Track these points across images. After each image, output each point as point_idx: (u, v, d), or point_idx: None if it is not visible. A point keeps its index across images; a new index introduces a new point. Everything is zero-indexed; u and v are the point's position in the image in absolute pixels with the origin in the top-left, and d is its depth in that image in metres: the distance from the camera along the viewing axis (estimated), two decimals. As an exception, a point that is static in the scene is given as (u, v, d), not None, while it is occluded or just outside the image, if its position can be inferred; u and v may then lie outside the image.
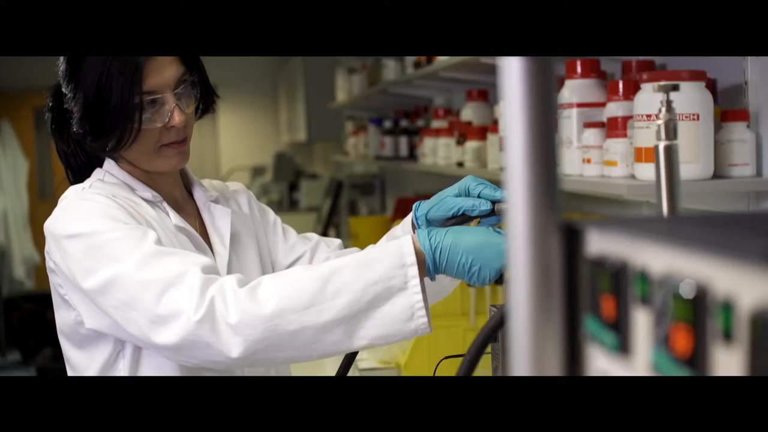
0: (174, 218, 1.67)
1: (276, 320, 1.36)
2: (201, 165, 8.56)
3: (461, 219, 1.48)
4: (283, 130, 8.56)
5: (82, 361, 1.59)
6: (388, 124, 4.26)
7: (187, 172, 1.79)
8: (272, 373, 1.73)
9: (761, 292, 0.50)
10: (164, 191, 1.70)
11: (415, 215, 1.57)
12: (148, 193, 1.66)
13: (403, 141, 4.03)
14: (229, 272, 1.68)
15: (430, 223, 1.53)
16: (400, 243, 1.41)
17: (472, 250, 1.38)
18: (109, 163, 1.66)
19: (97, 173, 1.66)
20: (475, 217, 1.49)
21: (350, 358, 1.53)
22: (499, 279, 1.37)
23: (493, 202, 1.47)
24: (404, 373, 2.26)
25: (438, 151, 3.22)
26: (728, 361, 0.54)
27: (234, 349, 1.36)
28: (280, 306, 1.36)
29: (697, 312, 0.55)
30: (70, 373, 1.63)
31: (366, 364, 2.31)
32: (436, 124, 3.43)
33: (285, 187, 7.49)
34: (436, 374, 1.69)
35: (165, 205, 1.67)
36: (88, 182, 1.65)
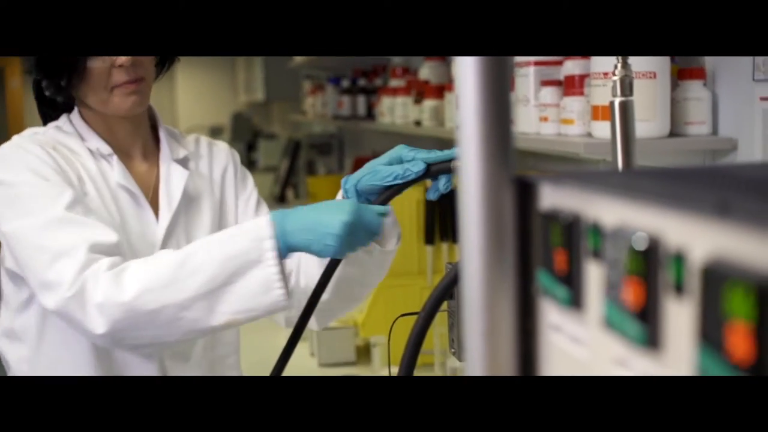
0: (119, 175, 1.67)
1: (137, 301, 1.41)
2: (158, 125, 8.45)
3: (400, 186, 1.46)
4: (241, 90, 8.50)
5: (11, 294, 1.67)
6: (345, 83, 4.24)
7: (158, 124, 1.78)
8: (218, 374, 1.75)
9: (713, 244, 0.50)
10: (122, 143, 1.70)
11: (344, 189, 1.55)
12: (97, 145, 1.66)
13: (361, 100, 4.01)
14: (172, 236, 1.70)
15: (361, 195, 1.52)
16: (257, 219, 1.46)
17: (309, 228, 1.42)
18: (74, 113, 1.68)
19: (59, 121, 1.69)
20: (412, 182, 1.47)
21: (287, 354, 1.51)
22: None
23: (428, 164, 1.45)
24: (361, 332, 2.25)
25: (396, 110, 3.21)
26: (679, 314, 0.53)
27: (99, 327, 1.42)
28: (141, 286, 1.41)
29: (649, 264, 0.55)
30: (3, 307, 1.70)
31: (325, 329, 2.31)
32: (394, 83, 3.42)
33: (243, 147, 7.45)
34: (392, 332, 1.69)
35: (114, 159, 1.66)
36: (42, 129, 1.68)
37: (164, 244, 1.69)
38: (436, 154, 1.45)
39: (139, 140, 1.73)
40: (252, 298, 1.43)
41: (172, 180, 1.73)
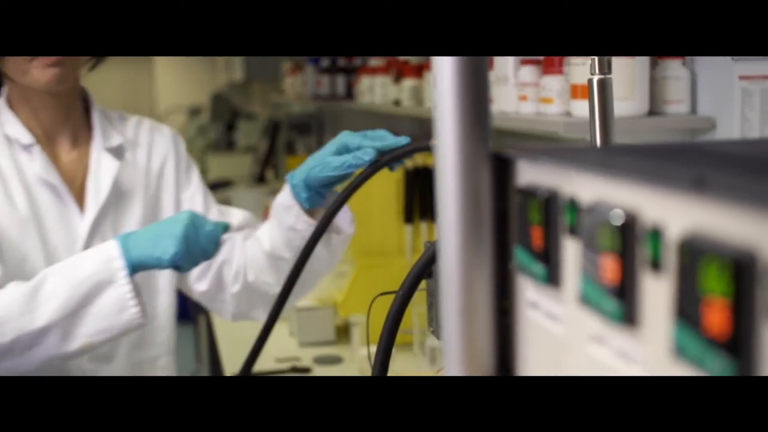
0: (39, 167, 1.61)
1: None
2: (136, 105, 8.43)
3: (357, 183, 1.43)
4: (220, 70, 8.45)
5: None
6: (325, 63, 4.22)
7: (91, 107, 1.71)
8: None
9: (689, 219, 0.50)
10: (48, 128, 1.64)
11: (291, 184, 1.53)
12: (17, 134, 1.60)
13: (341, 80, 4.00)
14: (97, 232, 1.65)
15: (312, 188, 1.50)
16: (106, 242, 1.46)
17: (150, 241, 1.43)
18: (2, 94, 1.62)
19: None
20: (368, 177, 1.44)
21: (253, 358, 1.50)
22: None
23: (379, 151, 1.42)
24: (341, 311, 2.25)
25: (375, 89, 3.20)
26: (656, 290, 0.53)
27: None
28: None
29: (626, 241, 0.55)
30: None
31: (304, 303, 2.30)
32: (373, 62, 3.41)
33: (222, 127, 7.42)
34: (372, 311, 1.69)
35: (36, 149, 1.61)
36: None
37: (89, 242, 1.63)
38: (383, 142, 1.42)
39: (68, 125, 1.66)
40: (107, 318, 1.43)
41: (102, 171, 1.65)
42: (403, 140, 1.40)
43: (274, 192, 3.84)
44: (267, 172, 5.64)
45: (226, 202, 4.05)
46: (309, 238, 1.39)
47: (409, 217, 2.39)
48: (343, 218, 1.60)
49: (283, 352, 2.16)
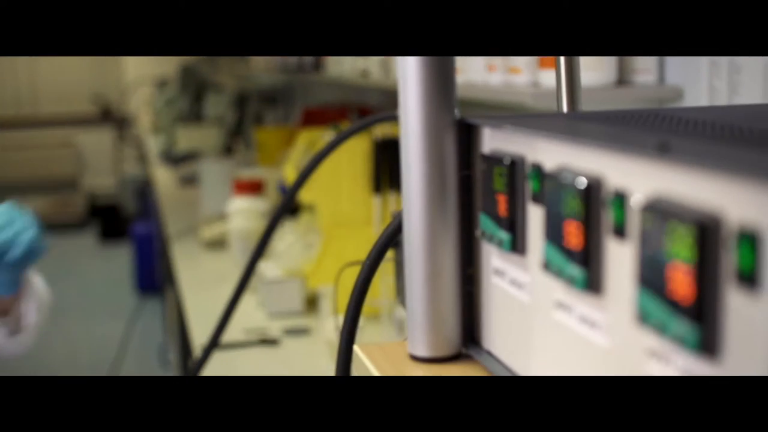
0: None
1: None
2: (104, 77, 8.34)
3: (328, 148, 1.37)
4: (188, 41, 8.36)
5: None
6: (293, 33, 4.19)
7: None
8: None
9: (653, 185, 0.49)
10: None
11: None
12: None
13: (309, 51, 3.97)
14: None
15: None
16: None
17: None
18: None
19: None
20: None
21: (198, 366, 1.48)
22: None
23: None
24: (309, 283, 2.25)
25: (343, 61, 3.18)
26: (620, 255, 0.53)
27: None
28: None
29: (590, 207, 0.55)
30: None
31: (272, 274, 2.30)
32: (342, 33, 3.38)
33: (190, 99, 7.36)
34: (341, 282, 1.69)
35: None
36: None
37: None
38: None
39: None
40: None
41: None
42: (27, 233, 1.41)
43: (243, 164, 3.83)
44: (235, 144, 5.61)
45: (194, 174, 4.03)
46: (271, 219, 1.38)
47: (377, 188, 2.39)
48: (29, 308, 1.57)
49: (252, 324, 2.15)
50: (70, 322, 5.48)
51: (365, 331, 1.93)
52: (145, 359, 4.70)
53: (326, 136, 2.33)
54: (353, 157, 2.33)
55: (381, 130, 2.25)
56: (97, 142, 8.59)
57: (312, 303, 2.29)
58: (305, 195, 2.27)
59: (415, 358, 0.73)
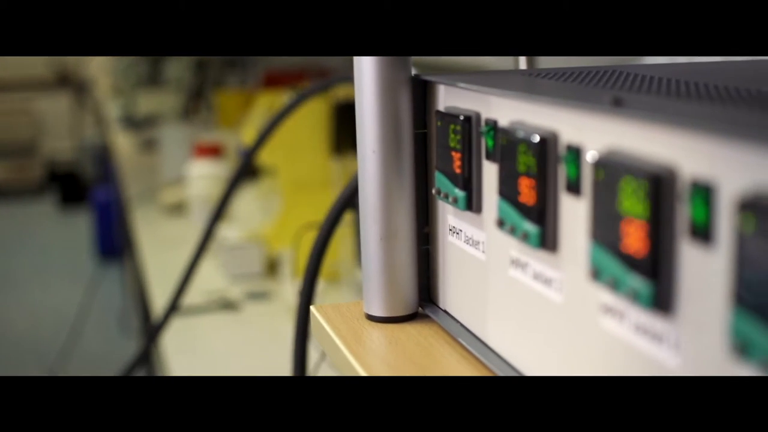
0: None
1: None
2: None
3: (286, 109, 1.35)
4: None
5: None
6: (253, -5, 4.15)
7: None
8: None
9: (607, 140, 0.49)
10: None
11: None
12: None
13: (269, 13, 3.94)
14: None
15: None
16: None
17: None
18: None
19: None
20: None
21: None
22: None
23: None
24: (269, 246, 2.24)
25: (303, 22, 3.15)
26: (574, 211, 0.53)
27: None
28: None
29: (544, 163, 0.54)
30: None
31: (231, 237, 2.29)
32: (302, -6, 3.35)
33: (149, 63, 7.28)
34: (299, 245, 1.68)
35: None
36: None
37: None
38: None
39: None
40: None
41: None
42: None
43: (203, 128, 3.79)
44: (195, 108, 5.56)
45: (154, 138, 3.99)
46: (230, 182, 1.36)
47: (337, 150, 2.38)
48: None
49: (212, 287, 2.14)
50: (29, 288, 5.44)
51: (325, 294, 1.92)
52: (106, 325, 4.68)
53: (286, 98, 2.31)
54: (313, 119, 2.31)
55: (341, 93, 2.24)
56: (54, 106, 8.49)
57: (272, 266, 2.28)
58: (265, 158, 2.26)
59: (371, 318, 0.73)
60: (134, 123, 5.17)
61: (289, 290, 1.99)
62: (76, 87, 8.21)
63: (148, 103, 5.72)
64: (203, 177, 2.60)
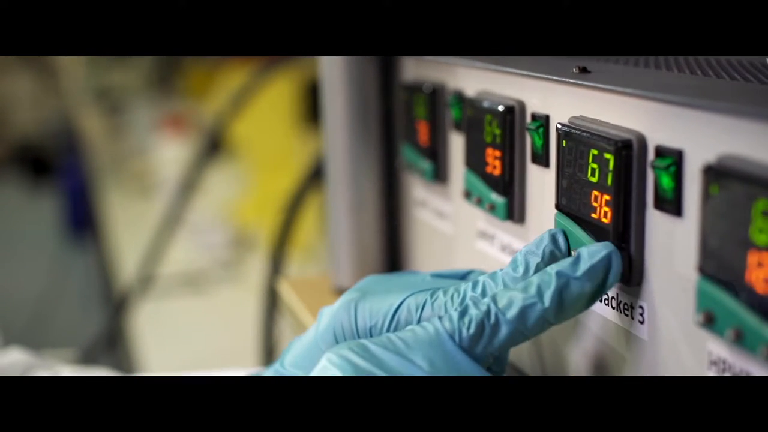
0: None
1: None
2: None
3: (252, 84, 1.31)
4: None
5: None
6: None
7: None
8: None
9: (572, 111, 0.49)
10: None
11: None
12: None
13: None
14: None
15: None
16: None
17: None
18: None
19: None
20: None
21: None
22: None
23: None
24: (238, 222, 2.23)
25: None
26: (540, 178, 0.52)
27: None
28: None
29: (511, 133, 0.54)
30: None
31: (199, 214, 2.28)
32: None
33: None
34: (267, 221, 1.67)
35: None
36: None
37: None
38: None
39: None
40: None
41: None
42: None
43: (171, 102, 3.76)
44: (164, 82, 5.52)
45: (121, 113, 3.96)
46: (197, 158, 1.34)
47: (307, 127, 2.37)
48: None
49: (180, 265, 2.13)
50: (-4, 265, 5.39)
51: (294, 268, 1.92)
52: (72, 302, 4.65)
53: (255, 71, 2.29)
54: (281, 97, 2.30)
55: (309, 69, 2.23)
56: (18, 79, 8.39)
57: (240, 243, 2.27)
58: (233, 134, 2.25)
59: (340, 290, 0.72)
60: (101, 96, 5.12)
61: (257, 266, 1.99)
62: (41, 59, 8.09)
63: (115, 76, 5.67)
64: (171, 152, 2.59)
